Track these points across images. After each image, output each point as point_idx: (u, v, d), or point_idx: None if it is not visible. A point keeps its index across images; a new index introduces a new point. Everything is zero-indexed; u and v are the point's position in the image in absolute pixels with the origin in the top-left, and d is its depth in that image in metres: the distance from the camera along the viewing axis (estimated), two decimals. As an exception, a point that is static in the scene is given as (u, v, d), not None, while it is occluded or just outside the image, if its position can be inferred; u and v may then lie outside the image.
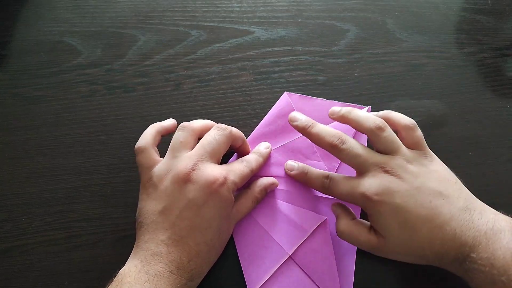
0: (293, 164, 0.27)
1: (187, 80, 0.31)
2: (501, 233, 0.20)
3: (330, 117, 0.26)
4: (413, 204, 0.21)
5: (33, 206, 0.28)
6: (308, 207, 0.27)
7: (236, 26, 0.33)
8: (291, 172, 0.27)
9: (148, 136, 0.25)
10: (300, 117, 0.25)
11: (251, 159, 0.25)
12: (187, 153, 0.23)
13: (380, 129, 0.23)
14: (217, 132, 0.24)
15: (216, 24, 0.33)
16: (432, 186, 0.22)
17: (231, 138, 0.25)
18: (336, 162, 0.28)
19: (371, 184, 0.22)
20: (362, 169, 0.23)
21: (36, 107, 0.30)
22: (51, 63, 0.31)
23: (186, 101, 0.30)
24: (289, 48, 0.32)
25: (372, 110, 0.31)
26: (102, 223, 0.27)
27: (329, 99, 0.31)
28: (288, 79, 0.32)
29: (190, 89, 0.31)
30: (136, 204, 0.24)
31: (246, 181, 0.25)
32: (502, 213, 0.22)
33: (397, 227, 0.21)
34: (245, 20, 0.33)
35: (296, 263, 0.25)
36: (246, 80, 0.31)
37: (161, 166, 0.23)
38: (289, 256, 0.25)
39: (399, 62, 0.32)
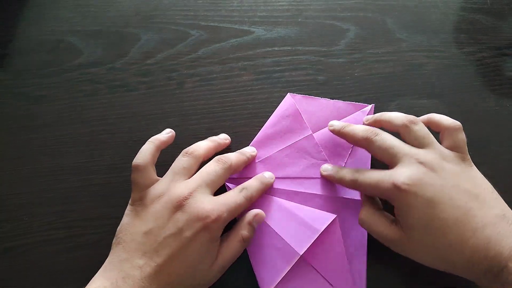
0: (328, 167, 0.26)
1: (189, 79, 0.31)
2: None
3: (364, 123, 0.27)
4: (446, 201, 0.20)
5: (33, 206, 0.28)
6: (316, 207, 0.26)
7: (237, 26, 0.33)
8: (324, 173, 0.26)
9: (147, 153, 0.24)
10: (336, 123, 0.26)
11: (253, 189, 0.24)
12: (186, 180, 0.23)
13: (412, 122, 0.23)
14: (217, 165, 0.24)
15: (217, 24, 0.33)
16: (468, 187, 0.21)
17: (231, 171, 0.24)
18: (342, 161, 0.28)
19: (403, 173, 0.21)
20: (394, 161, 0.22)
21: (38, 106, 0.30)
22: (53, 63, 0.31)
23: (188, 100, 0.31)
24: (289, 47, 0.32)
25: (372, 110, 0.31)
26: (102, 223, 0.27)
27: (329, 99, 0.31)
28: (288, 79, 0.32)
29: (192, 88, 0.31)
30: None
31: (241, 211, 0.24)
32: None
33: (424, 223, 0.20)
34: (245, 19, 0.33)
35: (309, 263, 0.25)
36: (247, 80, 0.32)
37: (157, 187, 0.23)
38: (301, 256, 0.24)
39: (399, 62, 0.33)
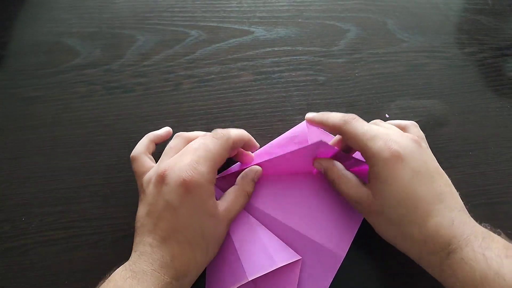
0: (312, 113, 0.26)
1: (186, 80, 0.31)
2: (496, 236, 0.20)
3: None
4: (428, 178, 0.21)
5: (32, 206, 0.28)
6: (288, 243, 0.25)
7: (236, 26, 0.33)
8: (309, 116, 0.26)
9: (140, 144, 0.26)
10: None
11: (229, 130, 0.24)
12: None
13: (353, 118, 0.24)
14: (208, 138, 0.23)
15: (215, 24, 0.33)
16: (444, 174, 0.22)
17: (228, 146, 0.23)
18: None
19: (399, 141, 0.21)
20: (376, 138, 0.22)
21: (34, 107, 0.30)
22: (49, 64, 0.31)
23: (185, 101, 0.30)
24: (289, 48, 0.32)
25: (371, 110, 0.31)
26: (102, 223, 0.27)
27: (329, 99, 0.31)
28: (288, 79, 0.31)
29: (189, 89, 0.31)
30: (136, 204, 0.24)
31: (226, 155, 0.23)
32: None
33: (402, 196, 0.21)
34: (244, 20, 0.33)
35: None
36: (245, 80, 0.31)
37: (150, 172, 0.24)
38: (249, 281, 0.23)
39: (400, 62, 0.32)
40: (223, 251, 0.25)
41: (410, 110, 0.31)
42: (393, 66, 0.32)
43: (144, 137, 0.27)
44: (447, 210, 0.21)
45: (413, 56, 0.33)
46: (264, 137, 0.29)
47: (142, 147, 0.26)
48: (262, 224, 0.26)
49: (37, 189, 0.28)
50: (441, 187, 0.21)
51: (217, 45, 0.32)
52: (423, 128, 0.31)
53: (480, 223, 0.26)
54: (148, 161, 0.25)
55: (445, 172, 0.29)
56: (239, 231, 0.25)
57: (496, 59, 0.33)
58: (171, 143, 0.25)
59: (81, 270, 0.26)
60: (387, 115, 0.31)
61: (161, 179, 0.22)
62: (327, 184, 0.26)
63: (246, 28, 0.33)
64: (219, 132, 0.23)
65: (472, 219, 0.21)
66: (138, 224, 0.23)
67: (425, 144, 0.24)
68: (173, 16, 0.33)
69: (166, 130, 0.28)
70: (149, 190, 0.23)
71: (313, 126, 0.27)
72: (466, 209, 0.22)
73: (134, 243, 0.22)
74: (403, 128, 0.26)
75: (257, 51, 0.32)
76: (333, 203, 0.26)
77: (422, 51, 0.33)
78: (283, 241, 0.25)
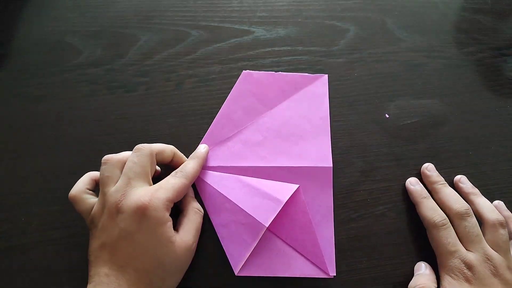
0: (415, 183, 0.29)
1: (187, 80, 0.31)
2: None
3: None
4: None
5: (33, 206, 0.28)
6: (279, 180, 0.27)
7: (236, 26, 0.33)
8: (411, 187, 0.28)
9: (80, 183, 0.25)
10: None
11: (186, 167, 0.25)
12: (114, 187, 0.23)
13: (502, 224, 0.26)
14: (135, 155, 0.23)
15: (216, 24, 0.33)
16: None
17: (153, 155, 0.24)
18: (294, 143, 0.29)
19: (471, 259, 0.24)
20: (468, 244, 0.25)
21: (36, 106, 0.30)
22: (52, 63, 0.31)
23: (187, 100, 0.31)
24: (289, 48, 0.32)
25: (371, 110, 0.31)
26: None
27: (329, 99, 0.31)
28: (288, 79, 0.32)
29: (190, 89, 0.31)
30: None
31: (184, 192, 0.24)
32: None
33: None
34: (245, 20, 0.33)
35: (276, 235, 0.26)
36: (246, 80, 0.31)
37: (96, 206, 0.23)
38: (267, 228, 0.24)
39: (399, 62, 0.33)
40: (230, 217, 0.25)
41: (410, 110, 0.31)
42: (393, 66, 0.32)
43: (84, 175, 0.25)
44: None
45: (412, 56, 0.33)
46: (264, 136, 0.29)
47: (82, 185, 0.24)
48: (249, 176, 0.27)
49: (38, 189, 0.28)
50: None
51: (218, 44, 0.32)
52: (423, 128, 0.31)
53: (480, 224, 0.26)
54: (90, 198, 0.24)
55: (445, 172, 0.29)
56: (235, 192, 0.26)
57: (495, 59, 0.33)
58: (104, 172, 0.24)
59: (81, 270, 0.26)
60: (387, 115, 0.31)
61: (116, 210, 0.22)
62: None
63: (246, 28, 0.33)
64: (139, 146, 0.24)
65: None
66: (91, 257, 0.22)
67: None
68: (174, 16, 0.33)
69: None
70: (102, 223, 0.22)
71: (254, 73, 0.30)
72: None
73: (89, 276, 0.22)
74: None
75: (257, 51, 0.32)
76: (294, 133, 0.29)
77: (421, 50, 0.33)
78: (272, 179, 0.27)
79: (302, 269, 0.25)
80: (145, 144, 0.24)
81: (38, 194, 0.28)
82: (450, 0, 0.35)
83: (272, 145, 0.28)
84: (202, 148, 0.27)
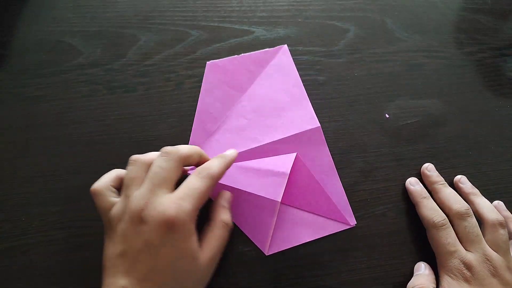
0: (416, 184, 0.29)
1: (187, 80, 0.31)
2: None
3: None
4: None
5: (33, 206, 0.28)
6: (275, 154, 0.28)
7: (236, 26, 0.33)
8: (411, 187, 0.29)
9: (105, 177, 0.24)
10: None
11: (211, 165, 0.23)
12: (137, 191, 0.22)
13: (502, 224, 0.26)
14: (162, 159, 0.22)
15: (216, 24, 0.33)
16: None
17: (181, 160, 0.22)
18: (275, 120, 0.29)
19: (472, 260, 0.24)
20: (469, 244, 0.25)
21: (36, 107, 0.30)
22: (51, 63, 0.31)
23: (186, 100, 0.31)
24: (289, 48, 0.32)
25: (371, 110, 0.31)
26: (101, 224, 0.27)
27: (329, 99, 0.31)
28: (288, 79, 0.31)
29: (190, 89, 0.31)
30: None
31: (209, 194, 0.22)
32: None
33: None
34: (245, 20, 0.33)
35: (291, 206, 0.27)
36: (246, 80, 0.31)
37: (116, 207, 0.22)
38: (280, 202, 0.25)
39: (399, 62, 0.33)
40: (243, 205, 0.26)
41: (410, 110, 0.31)
42: (393, 66, 0.32)
43: (111, 171, 0.24)
44: None
45: (412, 56, 0.33)
46: (264, 136, 0.29)
47: (107, 181, 0.23)
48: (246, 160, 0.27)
49: (38, 189, 0.28)
50: None
51: (218, 45, 0.32)
52: (423, 128, 0.31)
53: (480, 224, 0.26)
54: (112, 195, 0.23)
55: (445, 172, 0.29)
56: (239, 180, 0.26)
57: (495, 59, 0.33)
58: (130, 173, 0.22)
59: (81, 270, 0.26)
60: (387, 115, 0.31)
61: (138, 218, 0.21)
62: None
63: (246, 28, 0.33)
64: (168, 150, 0.22)
65: None
66: (108, 263, 0.21)
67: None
68: (174, 16, 0.33)
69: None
70: (122, 228, 0.21)
71: (217, 62, 0.30)
72: None
73: (103, 285, 0.21)
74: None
75: (257, 51, 0.32)
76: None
77: (421, 50, 0.33)
78: (269, 155, 0.27)
79: (324, 228, 0.26)
80: (173, 147, 0.23)
81: (38, 194, 0.28)
82: (449, 0, 0.35)
83: (258, 125, 0.29)
84: (230, 150, 0.25)
